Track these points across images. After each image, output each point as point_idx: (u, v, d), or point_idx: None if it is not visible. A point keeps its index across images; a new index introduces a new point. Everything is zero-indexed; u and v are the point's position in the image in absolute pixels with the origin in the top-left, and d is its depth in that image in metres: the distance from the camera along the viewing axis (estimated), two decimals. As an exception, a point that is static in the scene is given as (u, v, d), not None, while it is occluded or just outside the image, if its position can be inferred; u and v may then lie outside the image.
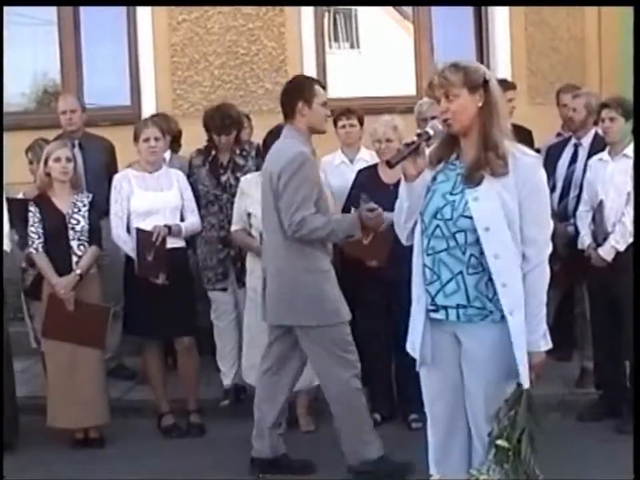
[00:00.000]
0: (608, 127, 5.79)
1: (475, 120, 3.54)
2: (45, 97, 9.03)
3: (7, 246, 5.78)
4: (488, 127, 3.51)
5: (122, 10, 8.40)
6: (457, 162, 3.64)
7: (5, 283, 5.90)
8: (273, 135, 5.78)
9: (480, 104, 3.52)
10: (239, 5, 8.20)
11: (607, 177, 5.77)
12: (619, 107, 5.74)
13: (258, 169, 6.29)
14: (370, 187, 5.89)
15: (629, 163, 5.72)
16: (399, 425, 5.99)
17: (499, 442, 3.41)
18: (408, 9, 8.82)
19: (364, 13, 9.56)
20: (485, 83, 3.53)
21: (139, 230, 5.76)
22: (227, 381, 6.48)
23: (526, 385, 3.45)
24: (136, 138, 5.94)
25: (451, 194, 3.56)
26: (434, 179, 3.64)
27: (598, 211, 5.76)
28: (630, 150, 5.76)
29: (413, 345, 3.72)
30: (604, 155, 5.89)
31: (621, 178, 5.71)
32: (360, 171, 6.13)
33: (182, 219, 5.99)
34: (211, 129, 6.31)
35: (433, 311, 3.62)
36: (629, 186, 5.66)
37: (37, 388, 6.41)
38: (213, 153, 6.39)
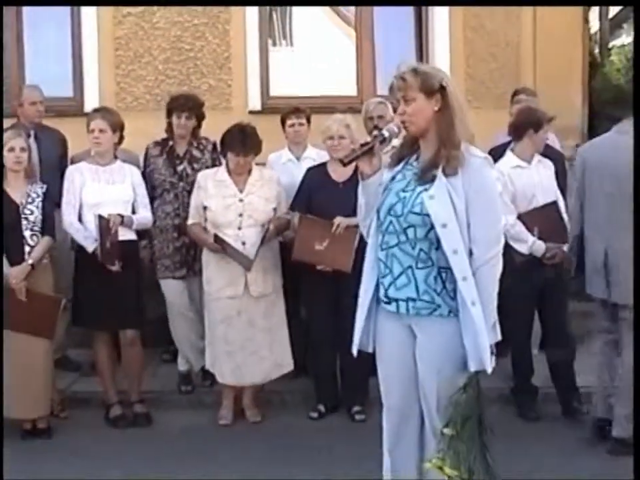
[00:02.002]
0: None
1: (432, 123, 3.67)
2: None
3: None
4: (445, 129, 3.64)
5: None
6: (414, 162, 3.77)
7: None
8: (231, 134, 5.90)
9: (436, 108, 3.65)
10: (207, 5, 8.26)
11: (538, 181, 5.95)
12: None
13: (214, 163, 6.43)
14: (319, 185, 6.02)
15: (547, 165, 6.01)
16: (343, 416, 6.11)
17: (445, 430, 3.55)
18: (350, 13, 8.92)
19: (300, 11, 9.63)
20: (442, 88, 3.66)
21: (100, 217, 5.77)
22: (181, 367, 6.57)
23: (489, 369, 3.59)
24: (88, 130, 5.98)
25: (404, 191, 3.70)
26: (393, 178, 3.78)
27: (551, 210, 5.94)
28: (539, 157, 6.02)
29: (355, 332, 3.87)
30: (516, 161, 5.98)
31: (549, 181, 5.98)
32: (309, 169, 6.23)
33: (134, 214, 6.03)
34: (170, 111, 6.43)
35: (386, 303, 3.75)
36: (554, 186, 5.99)
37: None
38: (170, 143, 6.48)
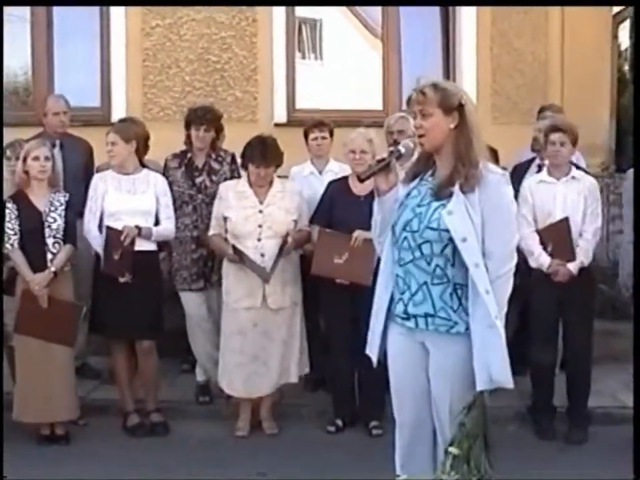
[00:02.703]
0: (557, 150, 5.92)
1: (448, 139, 3.65)
2: (15, 94, 9.02)
3: None
4: (463, 148, 3.62)
5: (95, 11, 8.43)
6: (429, 178, 3.76)
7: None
8: (252, 146, 5.93)
9: (453, 125, 3.63)
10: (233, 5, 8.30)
11: (560, 199, 5.91)
12: (570, 132, 5.89)
13: (232, 175, 6.44)
14: (340, 198, 6.02)
15: (580, 185, 5.92)
16: (360, 431, 6.09)
17: (451, 449, 3.52)
18: (377, 26, 8.95)
19: (329, 25, 9.68)
20: (460, 106, 3.65)
21: (108, 228, 5.84)
22: (200, 377, 6.58)
23: (510, 385, 3.58)
24: None
25: (419, 206, 3.69)
26: (408, 194, 3.76)
27: (560, 228, 5.92)
28: (577, 172, 5.97)
29: (371, 347, 3.86)
30: (543, 176, 6.00)
31: (575, 198, 5.88)
32: (331, 182, 6.23)
33: (157, 224, 6.06)
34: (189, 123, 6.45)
35: (405, 319, 3.73)
36: (582, 205, 5.88)
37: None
38: (189, 156, 6.50)
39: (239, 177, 6.33)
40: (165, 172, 6.48)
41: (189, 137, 6.47)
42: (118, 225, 5.87)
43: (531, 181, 6.07)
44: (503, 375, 3.56)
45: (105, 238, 5.85)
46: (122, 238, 5.81)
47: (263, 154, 5.88)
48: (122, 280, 5.84)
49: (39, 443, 5.84)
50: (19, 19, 8.42)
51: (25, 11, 8.39)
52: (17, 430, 5.81)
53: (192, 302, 6.43)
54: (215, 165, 6.51)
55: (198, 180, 6.44)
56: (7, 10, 8.22)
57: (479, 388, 3.54)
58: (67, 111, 7.04)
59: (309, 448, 5.83)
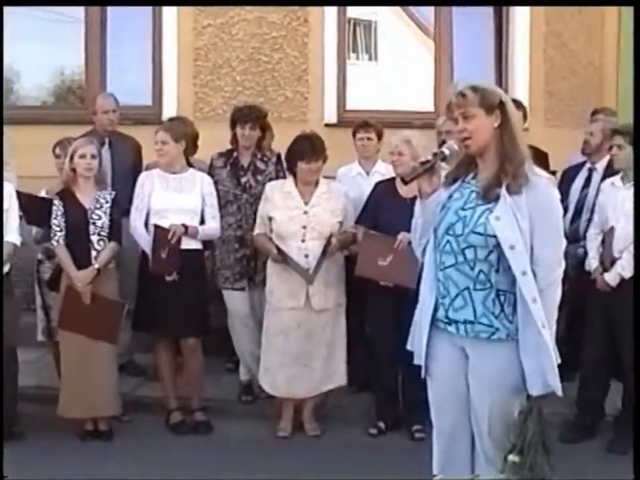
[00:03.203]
0: (614, 154, 5.85)
1: (492, 140, 3.60)
2: (69, 93, 9.14)
3: (17, 240, 5.85)
4: (507, 147, 3.58)
5: (148, 11, 8.50)
6: (472, 180, 3.71)
7: (19, 275, 6.00)
8: (298, 143, 5.92)
9: (496, 124, 3.59)
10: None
11: (618, 203, 5.78)
12: (627, 135, 5.76)
13: (277, 174, 6.43)
14: (386, 200, 5.99)
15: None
16: (403, 434, 6.05)
17: (511, 457, 3.48)
18: (430, 26, 8.90)
19: (384, 26, 9.65)
20: (501, 104, 3.60)
21: (156, 226, 5.86)
22: (243, 376, 6.60)
23: (559, 392, 3.54)
24: None
25: (463, 209, 3.64)
26: (450, 196, 3.71)
27: (608, 235, 5.80)
28: None
29: (417, 351, 3.82)
30: (616, 179, 5.90)
31: (631, 206, 5.68)
32: (377, 184, 6.20)
33: (202, 224, 6.07)
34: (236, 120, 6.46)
35: (446, 323, 3.69)
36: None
37: (46, 378, 6.49)
38: (235, 155, 6.51)
39: (284, 177, 6.33)
40: (211, 171, 6.49)
41: (234, 135, 6.48)
42: (164, 223, 5.90)
43: (605, 183, 6.00)
44: (554, 380, 3.52)
45: (153, 236, 5.88)
46: (169, 236, 5.84)
47: (313, 148, 5.89)
48: (169, 278, 5.87)
49: (82, 438, 5.89)
50: (73, 19, 8.52)
51: (80, 11, 8.48)
52: (59, 425, 5.88)
53: (235, 300, 6.43)
54: (261, 165, 6.51)
55: (243, 179, 6.45)
56: (62, 10, 8.38)
57: (533, 393, 3.51)
58: (115, 110, 7.11)
59: (350, 450, 5.80)
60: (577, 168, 6.70)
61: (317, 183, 6.01)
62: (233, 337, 6.50)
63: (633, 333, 5.39)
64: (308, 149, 5.90)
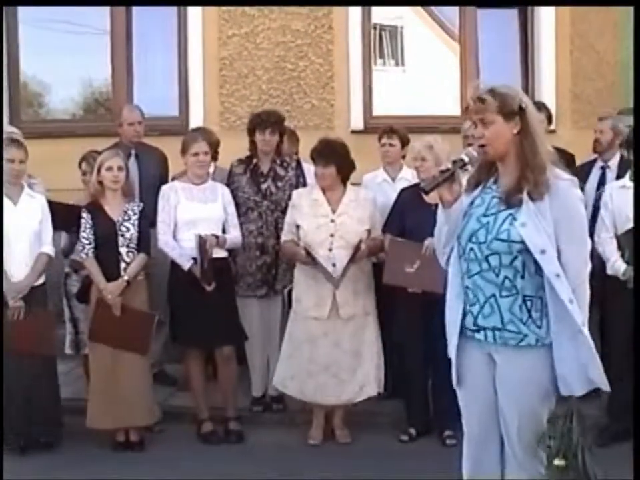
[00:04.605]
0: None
1: (511, 145, 3.56)
2: (96, 105, 9.20)
3: (51, 251, 5.95)
4: (527, 153, 3.53)
5: (173, 22, 8.55)
6: (493, 186, 3.68)
7: (48, 288, 6.06)
8: (314, 148, 5.93)
9: (516, 130, 3.54)
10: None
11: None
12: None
13: (297, 180, 6.44)
14: (412, 206, 5.95)
15: None
16: (434, 440, 6.03)
17: (557, 462, 3.45)
18: (455, 28, 8.88)
19: (410, 31, 9.64)
20: (521, 110, 3.55)
21: (199, 237, 5.87)
22: (255, 391, 6.59)
23: (607, 388, 3.55)
24: (184, 151, 6.08)
25: (485, 216, 3.62)
26: (471, 203, 3.69)
27: (626, 238, 5.74)
28: None
29: (455, 366, 3.79)
30: (626, 181, 5.84)
31: None
32: (403, 190, 6.18)
33: (224, 233, 6.10)
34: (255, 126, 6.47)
35: (475, 331, 3.67)
36: None
37: (78, 390, 6.51)
38: (254, 161, 6.52)
39: (304, 182, 6.34)
40: (230, 178, 6.51)
41: (253, 142, 6.49)
42: (192, 234, 5.91)
43: (613, 185, 5.96)
44: (600, 376, 3.52)
45: (198, 247, 5.85)
46: (207, 246, 5.86)
47: (321, 153, 5.90)
48: (209, 288, 5.89)
49: (114, 448, 5.92)
50: (99, 31, 8.59)
51: (106, 23, 8.54)
52: (92, 436, 5.92)
53: (250, 310, 6.44)
54: (280, 171, 6.52)
55: (263, 186, 6.46)
56: (88, 23, 8.45)
57: (577, 393, 3.50)
58: (141, 121, 7.14)
59: (381, 457, 5.80)
60: (589, 165, 6.67)
61: (344, 191, 6.01)
62: (246, 346, 6.49)
63: (633, 332, 5.32)
64: (317, 154, 5.93)
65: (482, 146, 3.59)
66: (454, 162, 3.64)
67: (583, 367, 3.48)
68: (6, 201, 5.82)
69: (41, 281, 5.91)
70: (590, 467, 3.45)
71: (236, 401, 6.29)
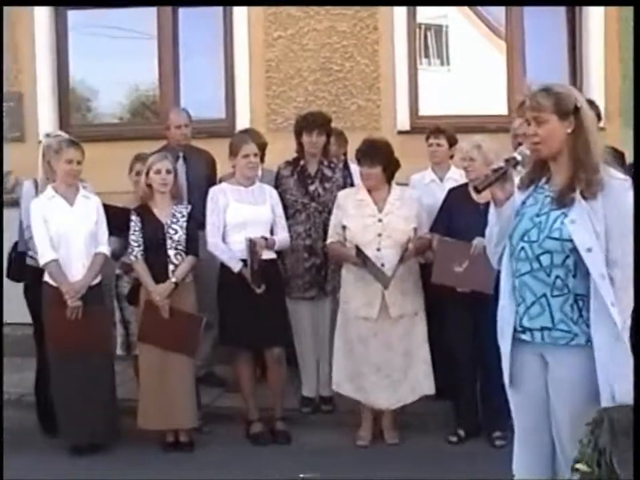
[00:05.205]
0: None
1: (564, 146, 3.54)
2: (143, 108, 9.28)
3: (107, 251, 6.02)
4: (580, 153, 3.51)
5: (219, 24, 8.59)
6: (545, 185, 3.66)
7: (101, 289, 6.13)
8: (365, 148, 5.92)
9: (570, 130, 3.52)
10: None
11: None
12: None
13: (345, 181, 6.44)
14: (460, 206, 5.95)
15: None
16: (483, 441, 6.00)
17: (579, 466, 3.40)
18: (501, 27, 8.81)
19: (454, 30, 9.59)
20: (576, 109, 3.53)
21: (250, 239, 5.89)
22: (306, 392, 6.59)
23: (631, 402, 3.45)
24: (232, 153, 6.11)
25: (537, 216, 3.60)
26: (523, 202, 3.68)
27: None
28: None
29: (504, 367, 3.76)
30: None
31: None
32: (451, 190, 6.16)
33: (271, 234, 6.11)
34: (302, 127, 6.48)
35: (521, 332, 3.65)
36: None
37: (129, 391, 6.55)
38: (302, 163, 6.53)
39: (352, 183, 6.34)
40: (278, 180, 6.53)
41: (300, 144, 6.50)
42: (242, 236, 5.93)
43: None
44: (626, 393, 3.43)
45: (249, 250, 5.88)
46: (257, 249, 5.88)
47: (365, 153, 5.89)
48: (259, 291, 5.91)
49: (164, 449, 5.98)
50: (146, 35, 8.67)
51: (153, 27, 8.61)
52: (142, 436, 5.97)
53: (302, 310, 6.46)
54: (328, 172, 6.52)
55: (311, 188, 6.47)
56: (134, 27, 8.52)
57: (602, 404, 3.44)
58: (188, 124, 7.16)
59: (430, 458, 5.78)
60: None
61: (389, 190, 6.00)
62: (296, 347, 6.52)
63: (633, 330, 5.25)
64: (362, 154, 5.92)
65: (535, 144, 3.57)
66: (506, 160, 3.62)
67: (609, 382, 3.43)
68: (62, 202, 5.91)
69: (97, 280, 5.99)
70: (611, 476, 3.37)
71: (283, 401, 6.30)
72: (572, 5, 8.26)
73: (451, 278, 5.81)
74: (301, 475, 5.52)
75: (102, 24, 8.76)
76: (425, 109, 8.57)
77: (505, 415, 5.71)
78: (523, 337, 3.65)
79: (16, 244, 6.35)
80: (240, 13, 8.45)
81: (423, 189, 6.56)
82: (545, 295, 3.57)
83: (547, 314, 3.56)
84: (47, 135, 6.60)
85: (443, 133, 6.68)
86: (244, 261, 5.94)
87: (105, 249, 5.99)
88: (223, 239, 6.07)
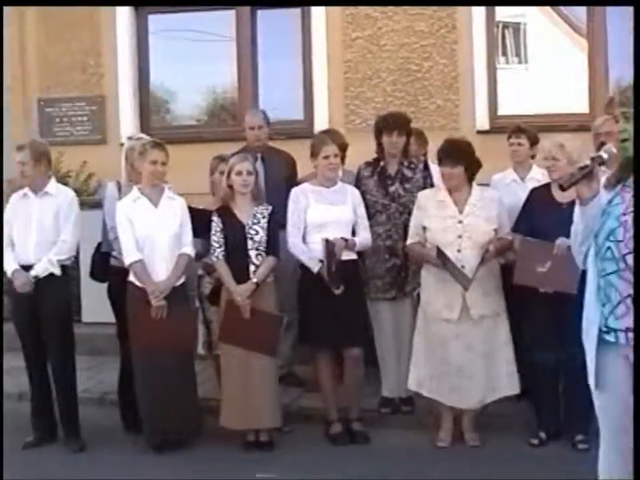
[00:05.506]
0: None
1: None
2: (221, 110, 9.38)
3: (191, 251, 6.08)
4: None
5: (297, 26, 8.65)
6: (632, 184, 3.61)
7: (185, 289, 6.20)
8: (446, 148, 5.90)
9: None
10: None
11: None
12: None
13: (425, 182, 6.41)
14: (543, 206, 5.87)
15: None
16: (565, 444, 5.90)
17: None
18: (582, 24, 8.70)
19: (533, 27, 9.50)
20: None
21: (327, 240, 5.90)
22: (386, 392, 6.57)
23: None
24: (313, 154, 6.12)
25: (624, 214, 3.55)
26: (610, 201, 3.63)
27: None
28: None
29: (589, 370, 3.72)
30: None
31: None
32: (533, 190, 6.08)
33: (353, 234, 6.11)
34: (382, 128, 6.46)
35: (605, 332, 3.61)
36: None
37: (209, 390, 6.63)
38: (382, 164, 6.51)
39: (432, 184, 6.31)
40: (358, 181, 6.52)
41: (380, 145, 6.48)
42: (323, 236, 5.94)
43: None
44: None
45: (325, 250, 5.89)
46: (335, 250, 5.89)
47: (446, 153, 5.86)
48: (337, 292, 5.92)
49: (244, 448, 6.01)
50: (225, 38, 8.76)
51: (232, 30, 8.71)
52: (221, 435, 6.03)
53: (383, 311, 6.45)
54: (408, 173, 6.49)
55: (391, 189, 6.44)
56: (213, 30, 8.62)
57: None
58: (262, 125, 7.15)
59: (511, 461, 5.70)
60: None
61: (470, 191, 5.96)
62: (377, 348, 6.50)
63: (633, 330, 5.13)
64: (444, 154, 5.89)
65: (624, 141, 3.52)
66: (592, 159, 3.58)
67: None
68: (147, 204, 6.00)
69: (182, 280, 6.05)
70: None
71: (361, 402, 6.29)
72: (572, 5, 8.12)
73: (533, 278, 5.75)
74: (258, 475, 5.55)
75: (181, 27, 8.89)
76: (503, 108, 8.52)
77: (587, 418, 5.72)
78: (608, 337, 3.60)
79: (99, 245, 6.46)
80: (318, 15, 8.50)
81: (504, 188, 6.49)
82: (630, 295, 3.51)
83: (632, 314, 3.51)
84: (130, 138, 6.70)
85: (524, 132, 6.61)
86: (323, 261, 5.96)
87: (189, 249, 6.05)
88: (304, 239, 6.09)
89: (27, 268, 6.01)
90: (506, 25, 9.42)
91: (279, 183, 6.79)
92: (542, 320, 5.88)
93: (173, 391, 5.91)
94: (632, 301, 3.51)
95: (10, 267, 6.04)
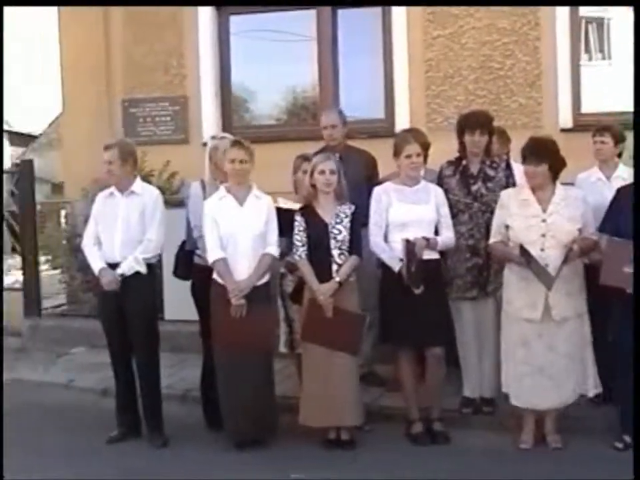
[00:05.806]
0: None
1: None
2: (302, 110, 9.42)
3: (275, 251, 6.11)
4: None
5: (378, 25, 8.65)
6: None
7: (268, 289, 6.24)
8: (531, 146, 5.84)
9: None
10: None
11: None
12: None
13: (507, 181, 6.36)
14: (630, 206, 5.76)
15: None
16: (649, 450, 5.82)
17: None
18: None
19: (617, 22, 9.34)
20: None
21: (407, 241, 5.89)
22: (468, 392, 6.54)
23: None
24: (396, 153, 6.11)
25: None
26: None
27: None
28: None
29: None
30: None
31: None
32: (620, 189, 5.97)
33: (436, 233, 6.09)
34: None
35: None
36: None
37: (288, 388, 6.68)
38: (464, 163, 6.47)
39: (514, 183, 6.25)
40: (440, 180, 6.49)
41: (462, 144, 6.44)
42: (404, 235, 5.92)
43: None
44: None
45: (405, 250, 5.87)
46: (415, 249, 5.88)
47: (531, 151, 5.80)
48: (417, 291, 5.91)
49: (325, 446, 6.04)
50: (305, 37, 8.80)
51: (312, 30, 8.74)
52: (301, 433, 6.07)
53: (464, 312, 6.41)
54: (490, 172, 6.44)
55: (473, 188, 6.40)
56: (294, 29, 8.68)
57: None
58: (335, 125, 7.12)
59: (594, 464, 5.63)
60: None
61: (554, 190, 5.89)
62: (459, 348, 6.47)
63: (633, 329, 4.96)
64: (528, 152, 5.84)
65: None
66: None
67: None
68: (233, 202, 6.07)
69: (264, 280, 6.10)
70: None
71: (441, 402, 6.27)
72: (572, 5, 7.95)
73: (620, 279, 5.65)
74: (292, 475, 5.55)
75: (262, 28, 8.95)
76: (587, 106, 8.39)
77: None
78: None
79: (183, 243, 6.54)
80: (399, 13, 8.49)
81: (589, 187, 6.40)
82: None
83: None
84: (213, 137, 6.76)
85: (609, 130, 6.51)
86: (403, 260, 5.95)
87: (274, 249, 6.08)
88: (385, 238, 6.09)
89: (113, 266, 6.12)
90: (589, 21, 9.28)
91: (358, 182, 6.74)
92: (627, 321, 5.77)
93: (252, 391, 5.96)
94: None
95: (97, 265, 6.16)
